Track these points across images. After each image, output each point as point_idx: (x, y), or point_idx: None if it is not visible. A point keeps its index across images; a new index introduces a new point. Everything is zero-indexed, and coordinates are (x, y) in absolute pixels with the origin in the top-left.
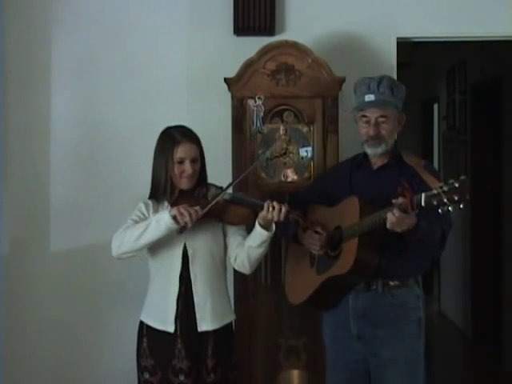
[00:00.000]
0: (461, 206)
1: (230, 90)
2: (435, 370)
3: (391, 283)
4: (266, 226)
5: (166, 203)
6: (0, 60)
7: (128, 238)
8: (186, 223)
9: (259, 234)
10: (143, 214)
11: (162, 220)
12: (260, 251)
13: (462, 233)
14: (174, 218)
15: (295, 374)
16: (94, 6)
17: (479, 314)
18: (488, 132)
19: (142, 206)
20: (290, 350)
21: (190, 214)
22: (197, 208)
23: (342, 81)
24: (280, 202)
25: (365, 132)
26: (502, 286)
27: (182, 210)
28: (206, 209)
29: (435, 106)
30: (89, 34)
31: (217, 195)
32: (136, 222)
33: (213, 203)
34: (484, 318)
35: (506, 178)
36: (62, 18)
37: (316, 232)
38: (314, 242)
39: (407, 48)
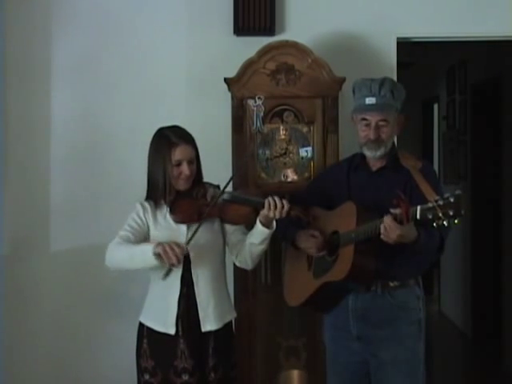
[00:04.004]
0: (455, 221)
1: (229, 90)
2: (435, 370)
3: (391, 284)
4: (266, 224)
5: (164, 206)
6: (0, 60)
7: (118, 257)
8: (172, 265)
9: (260, 232)
10: (140, 219)
11: (147, 257)
12: (262, 247)
13: (461, 233)
14: (158, 255)
15: (295, 373)
16: (94, 6)
17: (479, 314)
18: (488, 132)
19: (139, 208)
20: (290, 350)
21: (176, 254)
22: (182, 244)
23: (342, 81)
24: (281, 198)
25: (364, 135)
26: (502, 286)
27: (167, 249)
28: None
29: (435, 106)
30: (89, 33)
31: (215, 196)
32: (132, 229)
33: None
34: (484, 318)
35: (506, 177)
36: (62, 18)
37: (312, 236)
38: (310, 246)
39: (407, 48)
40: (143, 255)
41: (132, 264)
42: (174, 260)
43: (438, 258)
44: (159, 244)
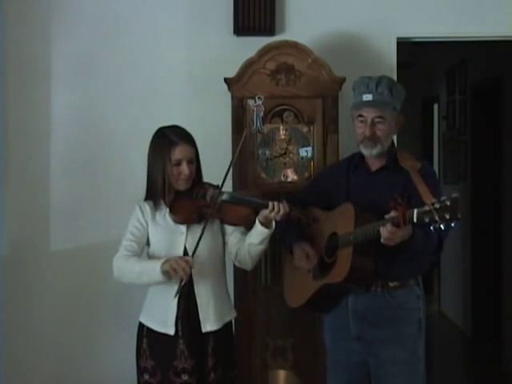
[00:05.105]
0: (452, 224)
1: (230, 90)
2: (435, 370)
3: (391, 284)
4: (266, 224)
5: (163, 207)
6: (0, 60)
7: (127, 275)
8: (181, 278)
9: (260, 232)
10: (140, 223)
11: (154, 275)
12: (261, 248)
13: (461, 233)
14: (166, 273)
15: (288, 374)
16: (94, 7)
17: (479, 313)
18: (488, 132)
19: (138, 213)
20: (287, 349)
21: (184, 268)
22: (188, 258)
23: (342, 81)
24: (280, 201)
25: (360, 132)
26: (502, 285)
27: (175, 265)
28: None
29: (435, 106)
30: (89, 34)
31: (215, 197)
32: (135, 237)
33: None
34: (484, 318)
35: (506, 177)
36: (62, 18)
37: (307, 257)
38: (302, 265)
39: (407, 48)
40: (150, 273)
41: (140, 281)
42: (183, 275)
43: (438, 258)
44: (166, 261)
